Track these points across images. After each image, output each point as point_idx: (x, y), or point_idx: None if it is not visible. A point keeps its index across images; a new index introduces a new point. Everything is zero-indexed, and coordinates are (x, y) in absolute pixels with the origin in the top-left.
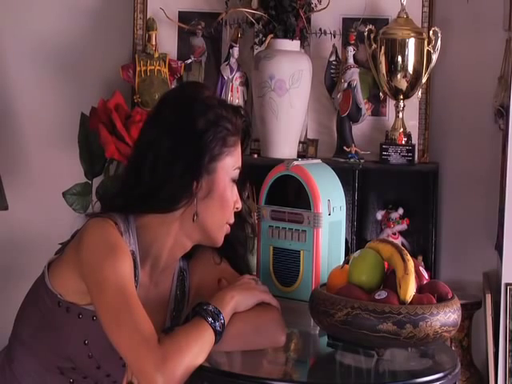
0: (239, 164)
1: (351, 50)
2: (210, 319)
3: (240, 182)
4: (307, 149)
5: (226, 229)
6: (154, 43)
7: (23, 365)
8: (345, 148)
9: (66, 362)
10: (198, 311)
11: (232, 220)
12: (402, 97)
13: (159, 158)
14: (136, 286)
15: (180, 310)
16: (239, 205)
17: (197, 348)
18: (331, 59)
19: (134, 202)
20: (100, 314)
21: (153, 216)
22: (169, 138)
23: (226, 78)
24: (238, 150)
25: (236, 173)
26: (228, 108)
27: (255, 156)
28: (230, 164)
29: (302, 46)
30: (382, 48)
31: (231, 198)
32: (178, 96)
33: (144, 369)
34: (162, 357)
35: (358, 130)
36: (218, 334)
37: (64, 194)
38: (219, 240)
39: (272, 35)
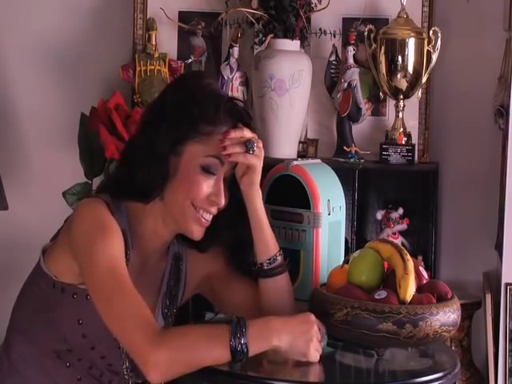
0: (215, 153)
1: (351, 50)
2: (233, 345)
3: (230, 181)
4: (307, 149)
5: (195, 215)
6: (154, 43)
7: (21, 352)
8: (345, 148)
9: (62, 343)
10: (235, 331)
11: (204, 206)
12: (402, 97)
13: (131, 144)
14: (127, 265)
15: (174, 295)
16: (217, 199)
17: (198, 353)
18: (331, 59)
19: (116, 190)
20: (93, 297)
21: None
22: (141, 122)
23: (226, 77)
24: (217, 139)
25: (208, 161)
26: (215, 97)
27: None
28: (200, 151)
29: (302, 45)
30: (382, 48)
31: (198, 182)
32: (170, 84)
33: (139, 351)
34: (159, 340)
35: (358, 129)
36: (236, 356)
37: (64, 194)
38: (190, 228)
39: (272, 35)
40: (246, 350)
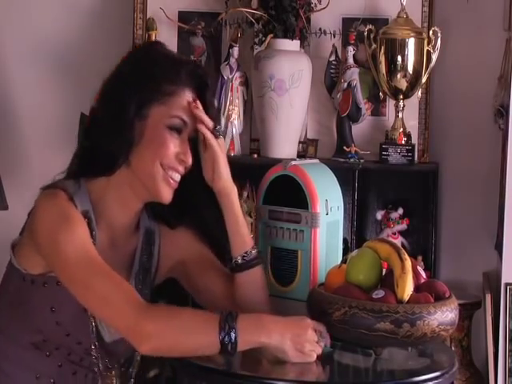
0: (179, 113)
1: (351, 50)
2: (222, 334)
3: (194, 140)
4: (307, 149)
5: (164, 176)
6: None
7: (2, 351)
8: (345, 148)
9: (37, 335)
10: (225, 320)
11: (173, 165)
12: (401, 97)
13: (94, 117)
14: (94, 245)
15: (147, 270)
16: (185, 157)
17: (186, 329)
18: (331, 59)
19: (78, 167)
20: (71, 289)
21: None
22: (102, 93)
23: (225, 77)
24: (180, 99)
25: (174, 121)
26: (176, 59)
27: (255, 156)
28: (165, 112)
29: (301, 45)
30: (382, 48)
31: (166, 141)
32: (129, 52)
33: (127, 323)
34: (146, 310)
35: (358, 129)
36: (225, 345)
37: None
38: (160, 190)
39: (272, 35)
40: (234, 339)
